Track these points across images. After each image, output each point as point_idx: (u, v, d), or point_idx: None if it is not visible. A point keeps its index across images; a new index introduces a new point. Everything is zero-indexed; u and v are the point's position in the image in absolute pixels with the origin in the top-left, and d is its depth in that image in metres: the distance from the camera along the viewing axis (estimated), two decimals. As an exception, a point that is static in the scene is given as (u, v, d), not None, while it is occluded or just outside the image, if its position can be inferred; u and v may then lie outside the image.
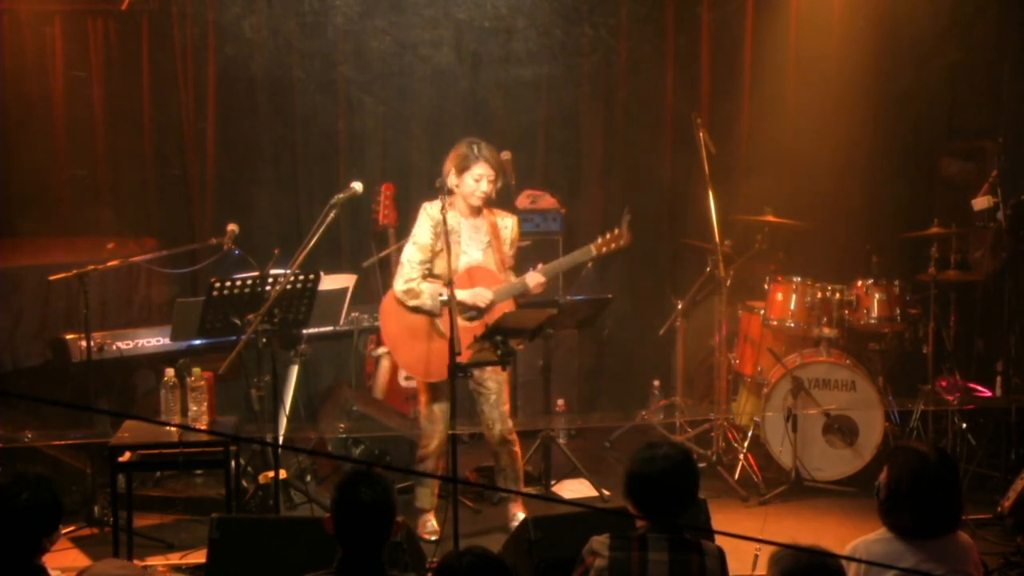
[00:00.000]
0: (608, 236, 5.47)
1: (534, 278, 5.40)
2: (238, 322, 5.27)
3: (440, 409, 5.45)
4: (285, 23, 7.29)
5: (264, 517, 5.29)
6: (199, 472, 6.15)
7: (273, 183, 7.46)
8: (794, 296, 6.55)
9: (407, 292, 5.37)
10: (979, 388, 6.76)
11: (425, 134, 7.50)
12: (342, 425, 6.18)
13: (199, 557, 4.97)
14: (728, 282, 6.64)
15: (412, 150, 7.54)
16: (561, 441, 6.60)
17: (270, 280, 5.32)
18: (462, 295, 5.32)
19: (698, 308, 7.14)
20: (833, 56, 7.47)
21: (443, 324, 5.29)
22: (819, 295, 6.53)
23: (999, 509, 5.48)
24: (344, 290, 6.04)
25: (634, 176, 7.58)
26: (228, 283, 5.27)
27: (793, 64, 7.56)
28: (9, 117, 7.02)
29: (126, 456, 5.01)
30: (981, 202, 6.35)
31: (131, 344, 6.03)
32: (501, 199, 5.65)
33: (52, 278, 5.66)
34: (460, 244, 5.39)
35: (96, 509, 5.64)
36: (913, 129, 7.61)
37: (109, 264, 5.79)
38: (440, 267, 5.29)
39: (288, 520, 5.04)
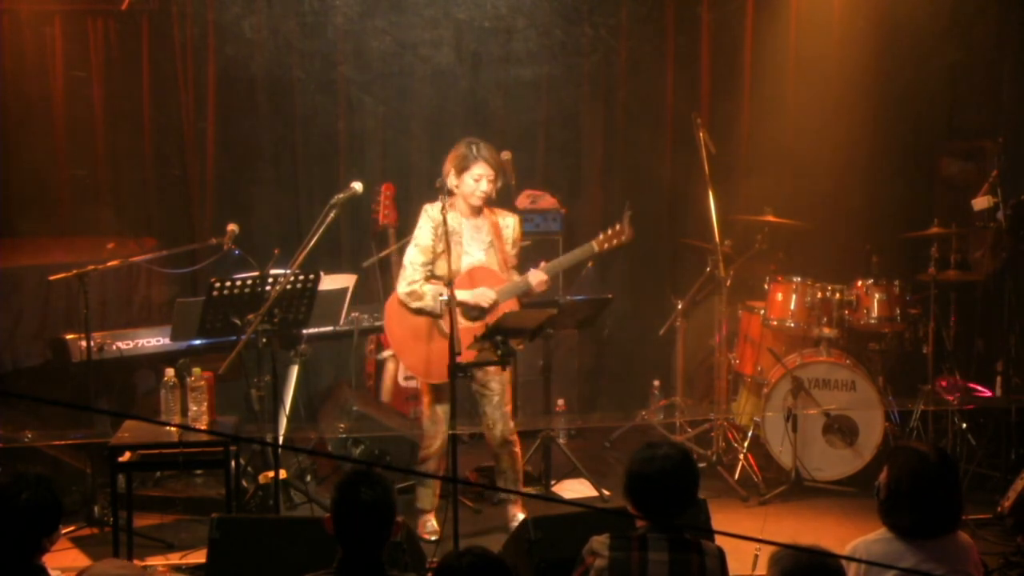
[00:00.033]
0: (610, 232, 5.47)
1: (536, 276, 5.40)
2: (238, 322, 5.26)
3: (443, 410, 5.45)
4: (285, 23, 7.29)
5: (264, 517, 5.29)
6: (199, 472, 6.15)
7: (273, 183, 7.46)
8: (794, 296, 6.55)
9: (410, 294, 5.37)
10: (979, 388, 6.76)
11: (425, 134, 7.50)
12: (342, 425, 6.18)
13: (199, 557, 4.97)
14: (728, 282, 6.64)
15: (412, 150, 7.54)
16: (561, 441, 6.60)
17: (270, 280, 5.32)
18: (464, 295, 5.32)
19: (698, 308, 7.13)
20: (833, 56, 7.47)
21: (446, 325, 5.29)
22: (819, 295, 6.53)
23: (999, 509, 5.48)
24: (344, 290, 6.04)
25: (634, 176, 7.58)
26: (228, 283, 5.27)
27: (793, 64, 7.56)
28: (9, 117, 7.02)
29: (126, 456, 5.01)
30: (981, 202, 6.35)
31: (131, 344, 6.02)
32: (501, 199, 5.65)
33: (52, 278, 5.66)
34: (462, 245, 5.39)
35: (96, 509, 5.64)
36: (913, 129, 7.61)
37: (109, 264, 5.79)
38: (442, 268, 5.29)
39: (288, 520, 5.04)
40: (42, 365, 6.12)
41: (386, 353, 6.66)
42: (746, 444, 6.53)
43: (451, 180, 5.37)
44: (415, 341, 5.41)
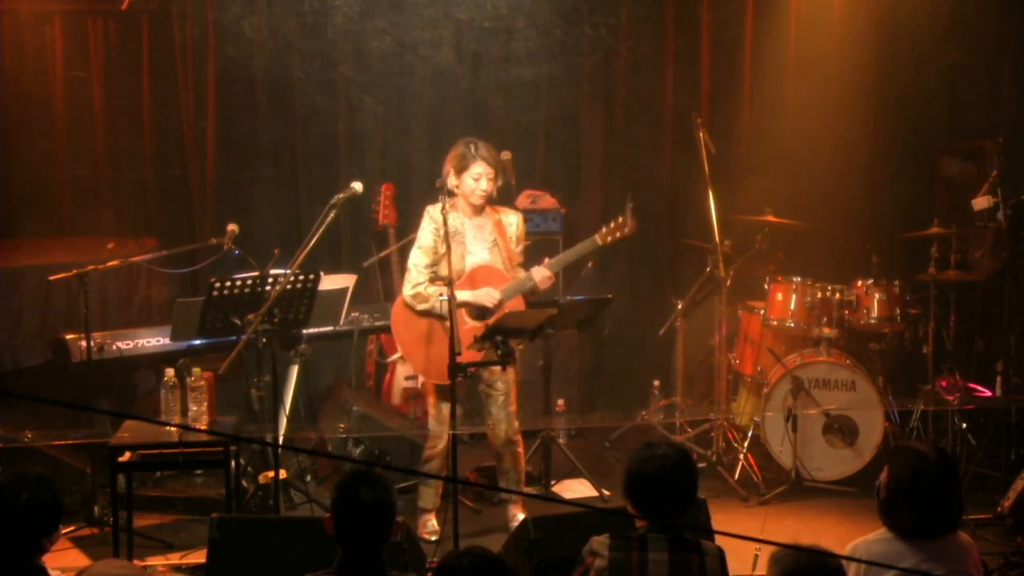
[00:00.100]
0: (612, 225, 5.45)
1: (540, 272, 5.39)
2: (238, 322, 5.26)
3: (450, 411, 5.44)
4: (285, 23, 7.29)
5: (264, 517, 5.29)
6: (199, 472, 6.15)
7: (273, 183, 7.46)
8: (794, 296, 6.55)
9: (415, 296, 5.38)
10: (979, 388, 6.76)
11: (425, 134, 7.50)
12: (342, 425, 6.17)
13: (199, 557, 4.97)
14: (728, 282, 6.64)
15: (412, 150, 7.55)
16: (561, 441, 6.59)
17: (270, 280, 5.32)
18: (467, 295, 5.32)
19: (698, 308, 7.13)
20: (833, 56, 7.48)
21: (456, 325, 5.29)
22: (819, 295, 6.53)
23: (999, 509, 5.48)
24: (344, 290, 6.03)
25: (634, 176, 7.58)
26: (228, 283, 5.27)
27: (793, 64, 7.56)
28: (9, 117, 7.02)
29: (126, 456, 5.01)
30: (981, 202, 6.35)
31: (131, 344, 6.02)
32: (502, 199, 5.64)
33: (52, 278, 5.66)
34: (465, 245, 5.39)
35: (96, 509, 5.64)
36: (913, 129, 7.62)
37: (109, 264, 5.79)
38: (446, 269, 5.29)
39: (288, 520, 5.04)
40: (42, 365, 6.12)
41: (395, 356, 6.65)
42: (746, 444, 6.53)
43: (451, 180, 5.37)
44: (422, 343, 5.41)
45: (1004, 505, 5.45)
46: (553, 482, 6.34)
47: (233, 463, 5.14)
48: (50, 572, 3.56)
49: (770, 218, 6.88)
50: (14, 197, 7.00)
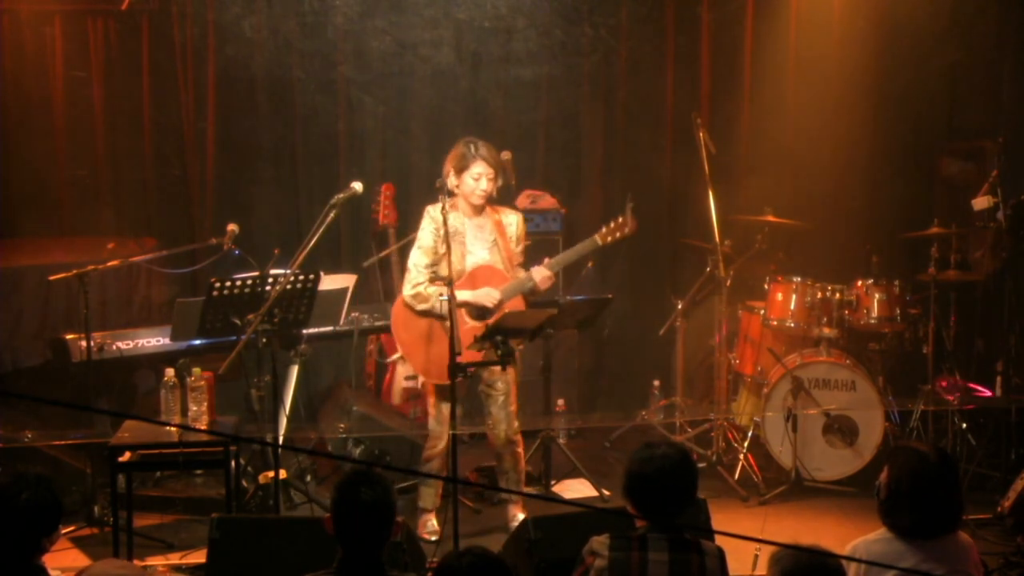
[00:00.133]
0: (613, 225, 5.45)
1: (540, 272, 5.39)
2: (238, 322, 5.26)
3: (450, 410, 5.44)
4: (285, 23, 7.29)
5: (264, 517, 5.29)
6: (199, 472, 6.15)
7: (273, 183, 7.46)
8: (794, 296, 6.55)
9: (415, 296, 5.38)
10: (979, 388, 6.76)
11: (425, 134, 7.50)
12: (342, 425, 6.18)
13: (199, 557, 4.97)
14: (728, 282, 6.64)
15: (412, 150, 7.54)
16: (561, 441, 6.60)
17: (270, 280, 5.32)
18: (467, 295, 5.32)
19: (698, 308, 7.13)
20: (833, 56, 7.48)
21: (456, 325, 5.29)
22: (819, 295, 6.53)
23: (999, 509, 5.48)
24: (344, 290, 6.04)
25: (634, 176, 7.58)
26: (228, 283, 5.27)
27: (793, 64, 7.56)
28: (9, 117, 7.02)
29: (126, 456, 5.01)
30: (981, 202, 6.35)
31: (131, 344, 6.02)
32: (502, 199, 5.64)
33: (52, 278, 5.66)
34: (465, 244, 5.39)
35: (96, 509, 5.64)
36: (913, 129, 7.61)
37: (109, 264, 5.79)
38: (446, 269, 5.29)
39: (288, 520, 5.04)
40: (42, 365, 6.12)
41: (395, 356, 6.65)
42: (746, 444, 6.53)
43: (451, 180, 5.37)
44: (422, 343, 5.41)
45: (1004, 505, 5.44)
46: (553, 482, 6.34)
47: (233, 463, 5.14)
48: (50, 572, 3.56)
49: (770, 218, 6.88)
50: (14, 197, 7.00)
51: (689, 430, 7.01)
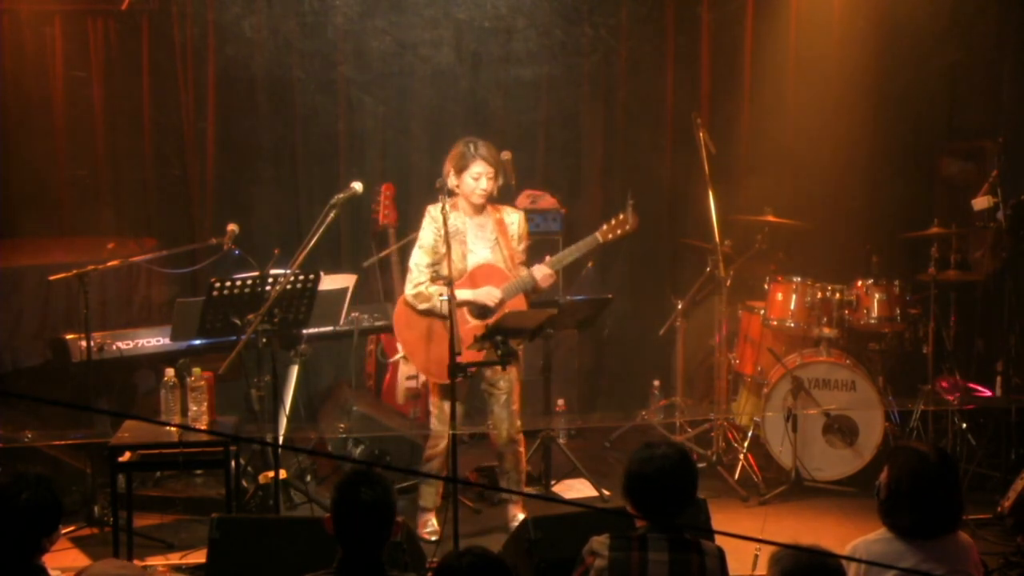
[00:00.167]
0: (613, 222, 5.45)
1: (541, 271, 5.40)
2: (238, 322, 5.26)
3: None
4: (285, 23, 7.29)
5: (264, 517, 5.29)
6: (199, 472, 6.15)
7: (273, 183, 7.46)
8: (794, 296, 6.55)
9: (416, 296, 5.38)
10: (979, 388, 6.76)
11: (425, 134, 7.50)
12: (342, 425, 6.18)
13: (199, 557, 4.97)
14: (728, 282, 6.64)
15: (412, 150, 7.54)
16: (561, 441, 6.60)
17: (270, 280, 5.32)
18: (468, 294, 5.33)
19: (698, 308, 7.13)
20: (833, 56, 7.47)
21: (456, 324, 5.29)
22: (819, 295, 6.53)
23: (999, 509, 5.48)
24: (344, 290, 6.04)
25: (634, 176, 7.57)
26: (228, 283, 5.27)
27: (793, 64, 7.56)
28: (9, 117, 7.02)
29: (126, 456, 5.01)
30: (981, 202, 6.35)
31: (131, 344, 6.02)
32: (502, 199, 5.64)
33: (52, 278, 5.66)
34: (466, 244, 5.40)
35: (96, 509, 5.64)
36: (913, 129, 7.61)
37: (109, 264, 5.79)
38: (447, 268, 5.29)
39: (288, 520, 5.04)
40: (42, 365, 6.12)
41: (397, 356, 6.65)
42: (746, 444, 6.53)
43: (451, 180, 5.37)
44: (424, 342, 5.42)
45: (1004, 505, 5.45)
46: (553, 482, 6.34)
47: (233, 463, 5.14)
48: (50, 572, 3.56)
49: (770, 218, 6.88)
50: (14, 197, 7.00)
51: (689, 430, 7.01)
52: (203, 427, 5.07)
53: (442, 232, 5.21)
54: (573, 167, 7.78)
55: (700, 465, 6.01)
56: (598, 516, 4.15)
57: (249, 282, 5.31)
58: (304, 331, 5.78)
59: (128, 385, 6.24)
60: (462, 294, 5.27)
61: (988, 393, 6.69)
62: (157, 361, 5.93)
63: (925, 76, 7.46)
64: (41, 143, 7.11)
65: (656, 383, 7.30)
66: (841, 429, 6.34)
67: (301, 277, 5.32)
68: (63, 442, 5.86)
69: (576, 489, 6.28)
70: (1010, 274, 6.32)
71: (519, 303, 5.41)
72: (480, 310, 5.41)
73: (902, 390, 6.67)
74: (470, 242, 5.41)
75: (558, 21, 7.51)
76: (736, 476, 6.36)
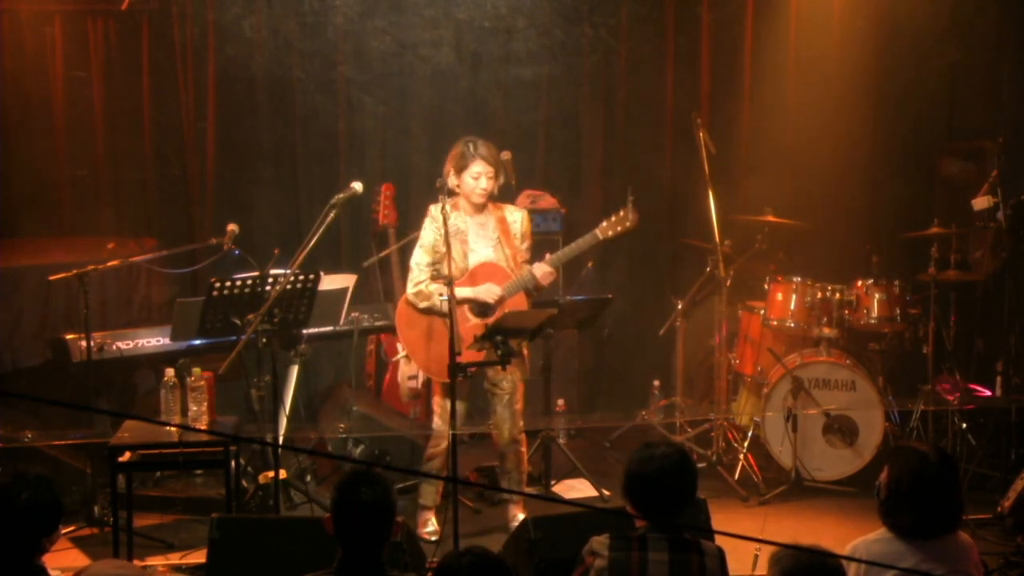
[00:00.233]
0: (614, 219, 5.44)
1: (541, 269, 5.39)
2: (238, 322, 5.26)
3: (457, 408, 5.44)
4: (285, 23, 7.29)
5: (264, 517, 5.29)
6: (199, 472, 6.15)
7: (273, 183, 7.46)
8: (794, 296, 6.55)
9: (417, 294, 5.39)
10: (979, 388, 6.76)
11: (425, 134, 7.50)
12: (342, 425, 6.18)
13: (199, 557, 4.97)
14: (728, 282, 6.64)
15: (412, 150, 7.54)
16: (561, 441, 6.60)
17: (270, 280, 5.32)
18: (468, 291, 5.33)
19: (698, 308, 7.13)
20: (833, 56, 7.47)
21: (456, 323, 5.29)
22: (819, 295, 6.53)
23: (999, 509, 5.48)
24: (344, 290, 6.04)
25: (634, 176, 7.54)
26: (228, 283, 5.27)
27: (793, 64, 7.56)
28: (9, 117, 7.02)
29: (126, 456, 5.01)
30: (981, 202, 6.35)
31: (131, 344, 6.02)
32: (502, 199, 5.64)
33: (52, 278, 5.66)
34: (468, 243, 5.40)
35: (96, 509, 5.64)
36: (913, 129, 7.61)
37: (109, 264, 5.79)
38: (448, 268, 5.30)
39: (288, 520, 5.04)
40: (42, 365, 6.12)
41: (398, 356, 6.65)
42: (746, 444, 6.53)
43: (451, 180, 5.38)
44: (425, 340, 5.42)
45: (1004, 505, 5.45)
46: (553, 482, 6.34)
47: (233, 463, 5.14)
48: (50, 572, 3.56)
49: (770, 218, 6.88)
50: (14, 197, 7.00)
51: (689, 430, 7.01)
52: (203, 427, 5.07)
53: (442, 232, 5.21)
54: (573, 167, 7.78)
55: (700, 465, 6.02)
56: (598, 516, 4.15)
57: (249, 282, 5.31)
58: (304, 331, 5.78)
59: (128, 385, 6.24)
60: (462, 292, 5.28)
61: (988, 393, 6.69)
62: (157, 361, 5.94)
63: (925, 76, 7.46)
64: (41, 143, 7.11)
65: (656, 383, 7.30)
66: (841, 429, 6.34)
67: (301, 277, 5.32)
68: (63, 442, 5.87)
69: (576, 489, 6.28)
70: (1010, 274, 6.32)
71: (519, 301, 5.41)
72: (480, 308, 5.41)
73: (902, 390, 6.67)
74: (471, 241, 5.42)
75: (558, 21, 7.51)
76: (736, 476, 6.36)
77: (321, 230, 5.22)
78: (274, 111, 7.42)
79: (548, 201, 7.24)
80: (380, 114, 7.50)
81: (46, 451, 5.91)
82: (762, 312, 6.68)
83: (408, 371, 6.58)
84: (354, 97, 7.46)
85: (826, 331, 6.49)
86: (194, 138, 7.31)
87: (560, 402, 7.03)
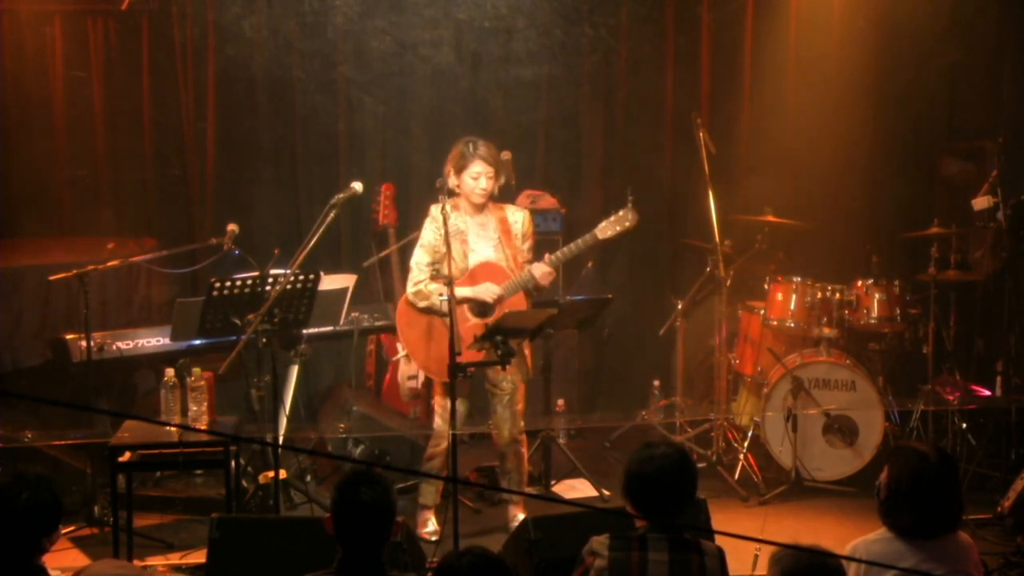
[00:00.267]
0: (613, 219, 5.43)
1: (540, 268, 5.39)
2: (238, 322, 5.26)
3: (458, 408, 5.44)
4: (285, 23, 7.29)
5: (264, 517, 5.29)
6: (199, 472, 6.15)
7: (273, 183, 7.46)
8: (794, 296, 6.55)
9: (416, 294, 5.40)
10: (979, 388, 6.76)
11: (425, 134, 7.50)
12: (342, 425, 6.18)
13: (199, 557, 4.97)
14: (728, 282, 6.64)
15: (412, 150, 7.55)
16: (561, 441, 6.60)
17: (270, 280, 5.32)
18: (467, 291, 5.33)
19: (698, 308, 7.13)
20: (833, 56, 7.47)
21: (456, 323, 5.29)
22: (819, 295, 6.53)
23: (999, 509, 5.48)
24: (344, 290, 6.04)
25: (634, 176, 7.54)
26: (228, 283, 5.27)
27: (793, 64, 7.56)
28: (9, 117, 7.02)
29: (126, 456, 5.01)
30: (981, 202, 6.35)
31: (131, 344, 6.02)
32: (502, 199, 5.64)
33: (52, 278, 5.66)
34: (468, 243, 5.40)
35: (96, 509, 5.64)
36: (913, 129, 7.61)
37: (109, 264, 5.79)
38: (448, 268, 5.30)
39: (288, 520, 5.04)
40: (42, 365, 6.12)
41: (398, 356, 6.65)
42: (746, 444, 6.53)
43: (451, 180, 5.38)
44: (425, 340, 5.43)
45: (1004, 505, 5.45)
46: (553, 482, 6.34)
47: (233, 463, 5.14)
48: (50, 572, 3.56)
49: (770, 218, 6.88)
50: (14, 197, 7.00)
51: (689, 430, 7.01)
52: (203, 427, 5.07)
53: (442, 232, 5.21)
54: (573, 167, 7.78)
55: (700, 465, 6.02)
56: (598, 516, 4.15)
57: (249, 282, 5.31)
58: (304, 331, 5.78)
59: (128, 385, 6.24)
60: (462, 291, 5.28)
61: (988, 393, 6.69)
62: (157, 361, 5.94)
63: (925, 76, 7.46)
64: (41, 143, 7.11)
65: (656, 383, 7.30)
66: (841, 429, 6.34)
67: (301, 277, 5.32)
68: (63, 442, 5.87)
69: (576, 489, 6.28)
70: (1010, 274, 6.32)
71: (519, 301, 5.41)
72: (480, 308, 5.41)
73: (902, 390, 6.67)
74: (472, 241, 5.42)
75: (558, 21, 7.51)
76: (736, 476, 6.36)
77: (321, 230, 5.22)
78: (274, 111, 7.42)
79: (548, 201, 7.24)
80: (380, 114, 7.50)
81: (46, 451, 5.91)
82: (762, 312, 6.68)
83: (408, 371, 6.58)
84: (354, 97, 7.47)
85: (826, 331, 6.49)
86: (194, 138, 7.31)
87: (560, 402, 7.03)
